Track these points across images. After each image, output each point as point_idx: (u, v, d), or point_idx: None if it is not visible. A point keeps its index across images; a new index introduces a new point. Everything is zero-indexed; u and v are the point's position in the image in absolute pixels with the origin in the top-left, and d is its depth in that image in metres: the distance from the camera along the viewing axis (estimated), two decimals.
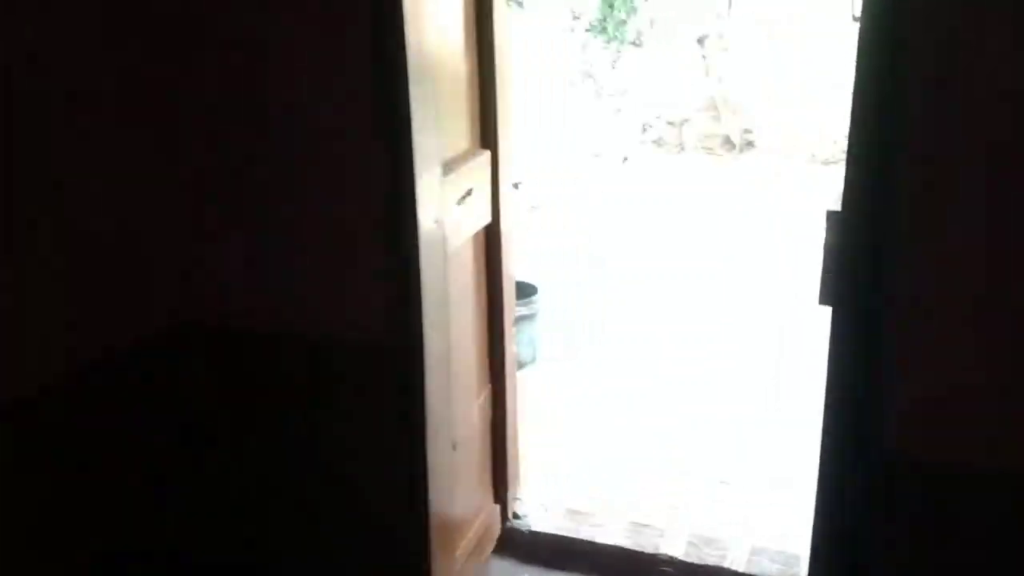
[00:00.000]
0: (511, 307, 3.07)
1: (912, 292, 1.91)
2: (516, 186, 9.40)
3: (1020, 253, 1.80)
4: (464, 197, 2.60)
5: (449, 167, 2.52)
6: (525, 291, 4.67)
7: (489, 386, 3.01)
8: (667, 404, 4.25)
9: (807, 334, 4.07)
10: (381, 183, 2.25)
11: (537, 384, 4.42)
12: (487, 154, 2.81)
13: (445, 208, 2.44)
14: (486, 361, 2.97)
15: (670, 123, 10.16)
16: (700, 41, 9.94)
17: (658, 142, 10.24)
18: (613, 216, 7.33)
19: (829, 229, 2.04)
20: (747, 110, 10.10)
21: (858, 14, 2.21)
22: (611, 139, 9.80)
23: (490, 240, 2.91)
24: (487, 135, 2.83)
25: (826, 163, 9.23)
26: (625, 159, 9.86)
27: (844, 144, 2.04)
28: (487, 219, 2.85)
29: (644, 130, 10.29)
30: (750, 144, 9.98)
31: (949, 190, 1.83)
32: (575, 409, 4.23)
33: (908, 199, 1.87)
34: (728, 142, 9.90)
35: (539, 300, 4.70)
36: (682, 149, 10.06)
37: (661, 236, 6.80)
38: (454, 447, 2.63)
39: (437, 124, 2.35)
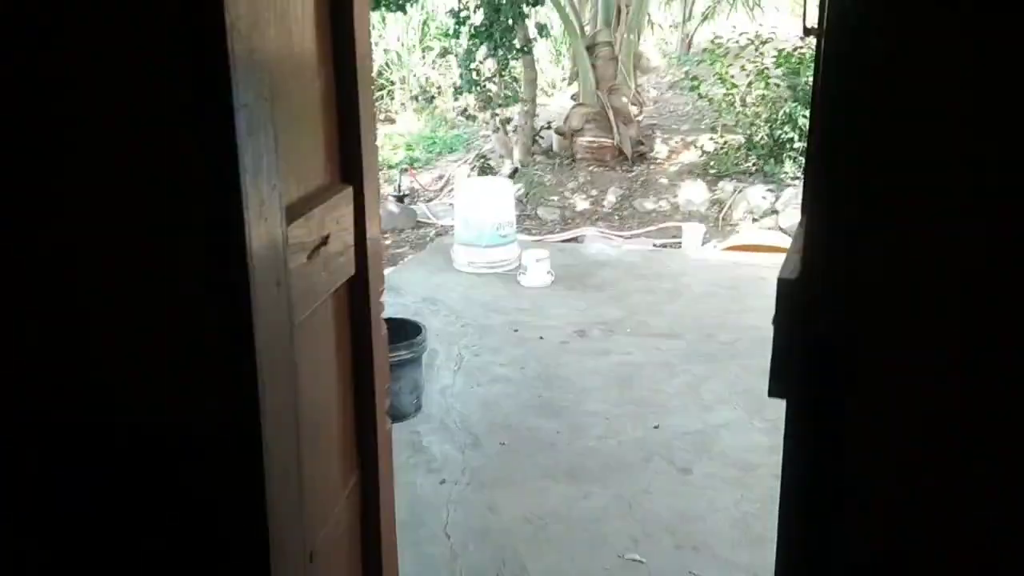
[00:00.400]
0: (384, 373, 2.54)
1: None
2: (401, 198, 8.74)
3: None
4: (317, 248, 2.06)
5: (297, 211, 1.97)
6: (407, 332, 4.15)
7: (358, 471, 2.46)
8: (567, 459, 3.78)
9: None
10: (197, 235, 1.69)
11: (419, 444, 3.90)
12: (349, 190, 2.27)
13: (290, 265, 1.90)
14: (353, 440, 2.42)
15: (560, 134, 9.76)
16: (590, 49, 9.57)
17: (548, 153, 9.84)
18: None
19: (781, 302, 1.58)
20: (641, 121, 9.79)
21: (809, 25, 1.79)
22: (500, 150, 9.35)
23: (354, 296, 2.37)
24: (349, 166, 2.29)
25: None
26: (516, 170, 9.43)
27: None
28: (350, 271, 2.32)
29: (535, 141, 9.88)
30: (642, 156, 9.66)
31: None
32: (460, 471, 3.72)
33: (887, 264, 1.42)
34: (620, 154, 9.55)
35: (425, 340, 4.18)
36: (573, 161, 9.67)
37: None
38: (311, 558, 2.07)
39: (281, 157, 1.81)
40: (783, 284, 1.59)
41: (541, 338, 4.97)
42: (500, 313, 5.33)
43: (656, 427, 4.00)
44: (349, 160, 2.29)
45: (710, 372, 4.54)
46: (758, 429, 3.97)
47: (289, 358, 1.90)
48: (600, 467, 3.72)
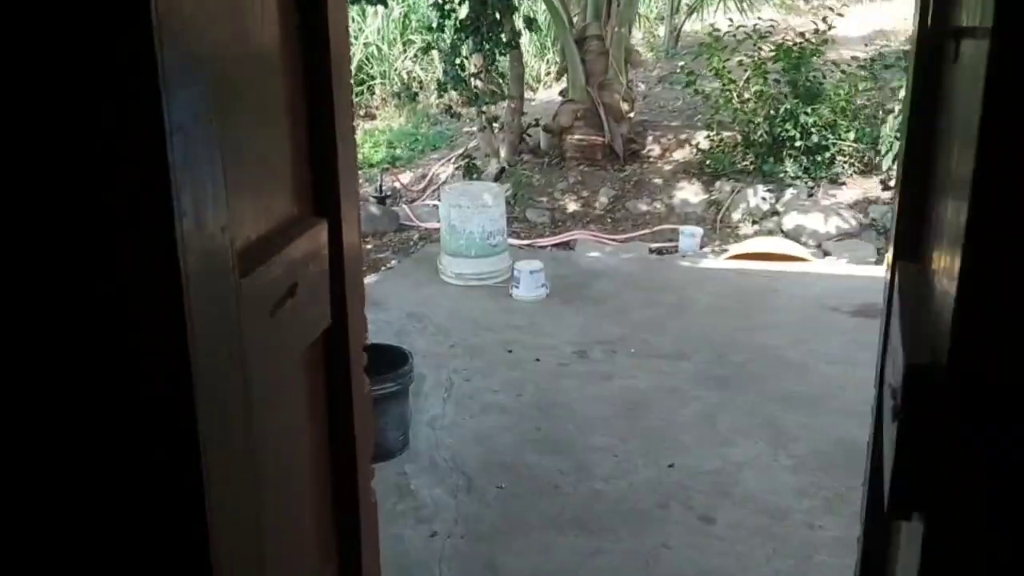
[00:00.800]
0: (367, 438, 2.13)
1: None
2: (382, 199, 8.34)
3: None
4: (283, 300, 1.65)
5: (255, 256, 1.56)
6: (392, 360, 3.72)
7: (337, 560, 2.05)
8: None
9: None
10: (119, 306, 1.28)
11: (406, 488, 3.49)
12: (323, 225, 1.86)
13: (246, 329, 1.48)
14: (330, 525, 2.02)
15: (548, 131, 9.34)
16: (579, 43, 9.15)
17: (536, 151, 9.41)
18: None
19: (913, 396, 1.17)
20: (633, 117, 9.38)
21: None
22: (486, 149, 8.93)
23: (331, 350, 1.96)
24: (323, 194, 1.88)
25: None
26: (502, 170, 9.00)
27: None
28: (324, 322, 1.91)
29: (522, 139, 9.45)
30: (634, 154, 9.25)
31: None
32: (453, 521, 3.31)
33: None
34: (612, 152, 9.13)
35: (412, 370, 3.76)
36: (562, 159, 9.25)
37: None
38: None
39: (232, 189, 1.40)
40: (916, 372, 1.19)
41: (537, 360, 4.56)
42: (492, 331, 4.92)
43: (671, 466, 3.60)
44: (324, 187, 1.87)
45: (724, 399, 4.14)
46: (784, 467, 3.58)
47: (246, 450, 1.49)
48: (610, 515, 3.31)
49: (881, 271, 6.06)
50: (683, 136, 9.45)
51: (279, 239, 1.65)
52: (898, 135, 7.63)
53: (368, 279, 6.93)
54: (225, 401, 1.42)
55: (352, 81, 9.03)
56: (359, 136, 10.90)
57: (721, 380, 4.32)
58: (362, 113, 12.16)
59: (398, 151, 10.50)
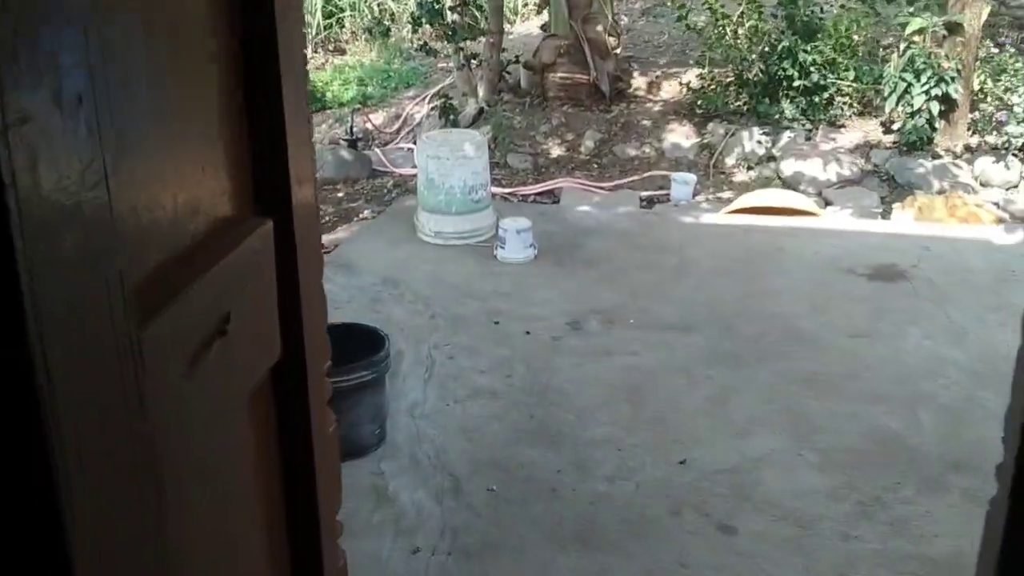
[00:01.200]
0: (334, 490, 1.69)
1: None
2: (353, 143, 7.80)
3: None
4: (210, 342, 1.19)
5: (164, 288, 1.10)
6: (366, 342, 3.27)
7: None
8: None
9: None
10: None
11: (384, 491, 3.06)
12: (268, 227, 1.39)
13: (148, 396, 1.04)
14: None
15: (530, 68, 8.77)
16: None
17: (517, 91, 8.86)
18: None
19: None
20: (619, 54, 8.83)
21: None
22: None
23: (283, 389, 1.51)
24: (268, 184, 1.41)
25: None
26: (481, 111, 8.46)
27: None
28: (273, 356, 1.45)
29: (501, 77, 8.89)
30: (620, 94, 8.72)
31: None
32: (439, 533, 2.89)
33: None
34: (597, 91, 8.59)
35: (389, 356, 3.31)
36: (544, 99, 8.70)
37: None
38: None
39: (129, 184, 0.95)
40: None
41: (527, 333, 4.12)
42: (476, 299, 4.46)
43: (682, 462, 3.20)
44: (268, 174, 1.40)
45: (737, 380, 3.73)
46: (809, 464, 3.18)
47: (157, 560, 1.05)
48: (617, 525, 2.91)
49: (894, 226, 5.67)
50: (671, 72, 8.92)
51: (202, 255, 1.19)
52: (902, 76, 7.16)
53: (340, 234, 6.43)
54: (121, 521, 0.98)
55: (320, 14, 8.35)
56: (327, 73, 10.27)
57: (732, 357, 3.90)
58: (331, 48, 11.51)
59: (369, 89, 9.89)
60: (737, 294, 4.47)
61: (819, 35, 7.82)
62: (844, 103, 7.81)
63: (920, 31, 7.28)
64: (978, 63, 7.39)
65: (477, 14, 8.80)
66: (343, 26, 11.44)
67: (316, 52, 11.25)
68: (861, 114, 7.86)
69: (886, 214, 6.32)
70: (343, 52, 11.36)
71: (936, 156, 7.14)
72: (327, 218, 7.19)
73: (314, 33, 11.26)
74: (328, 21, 11.29)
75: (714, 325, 4.16)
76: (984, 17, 7.35)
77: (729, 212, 5.65)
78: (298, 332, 1.48)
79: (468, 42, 8.31)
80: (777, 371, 3.77)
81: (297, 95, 1.41)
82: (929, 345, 3.96)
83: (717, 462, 3.20)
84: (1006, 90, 7.34)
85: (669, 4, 9.24)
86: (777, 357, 3.88)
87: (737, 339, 4.04)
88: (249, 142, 1.35)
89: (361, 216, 7.16)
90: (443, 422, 3.47)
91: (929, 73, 6.98)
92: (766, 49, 7.92)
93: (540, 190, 7.42)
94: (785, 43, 7.64)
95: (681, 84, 8.58)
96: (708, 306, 4.35)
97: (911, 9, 7.56)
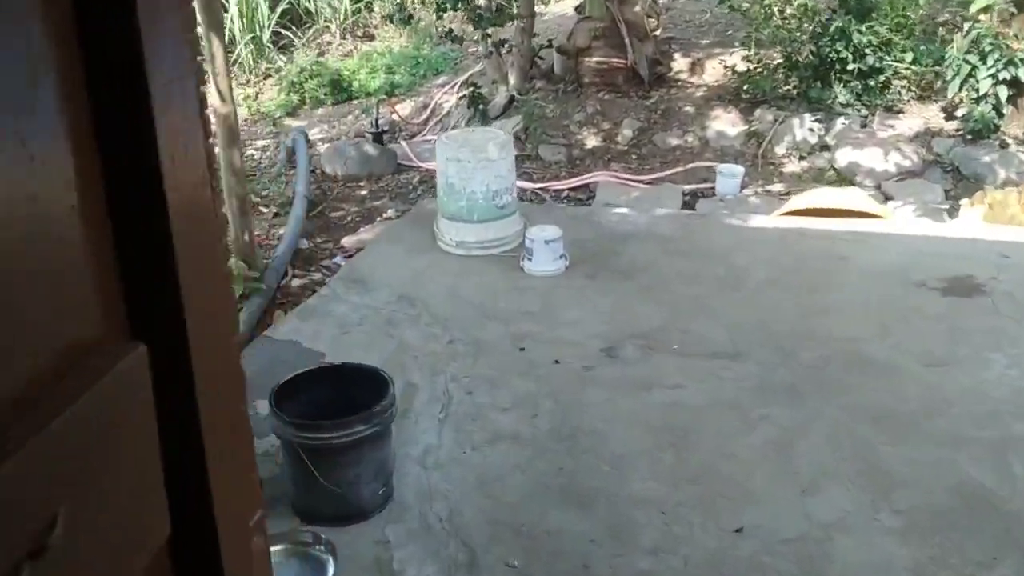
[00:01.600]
0: None
1: None
2: (379, 136, 7.37)
3: None
4: (20, 568, 0.71)
5: None
6: (374, 387, 2.83)
7: None
8: None
9: None
10: None
11: (388, 567, 2.62)
12: (140, 355, 0.91)
13: None
14: None
15: (563, 53, 8.26)
16: None
17: (550, 77, 8.36)
18: None
19: None
20: (659, 35, 8.29)
21: None
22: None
23: (183, 567, 1.04)
24: (146, 293, 0.93)
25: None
26: (512, 100, 7.98)
27: None
28: (156, 537, 0.98)
29: (533, 63, 8.39)
30: (660, 78, 8.18)
31: None
32: None
33: None
34: (635, 76, 8.07)
35: (394, 405, 2.86)
36: (579, 86, 8.20)
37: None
38: None
39: None
40: None
41: (556, 362, 3.65)
42: (499, 320, 4.00)
43: (738, 531, 2.72)
44: (144, 274, 0.96)
45: (797, 419, 3.24)
46: (889, 531, 2.69)
47: None
48: None
49: (968, 230, 5.09)
50: (715, 55, 8.36)
51: (21, 417, 0.73)
52: (966, 58, 6.57)
53: (359, 237, 6.00)
54: None
55: (348, 0, 7.84)
56: (354, 61, 9.84)
57: (790, 390, 3.41)
58: (359, 34, 11.08)
59: (397, 76, 9.45)
60: (793, 312, 3.97)
61: (874, 13, 7.25)
62: (902, 87, 7.24)
63: (986, 9, 6.68)
64: None
65: None
66: (372, 10, 11.00)
67: (344, 39, 10.84)
68: (920, 99, 7.29)
69: (953, 211, 5.76)
70: (372, 38, 10.94)
71: (1004, 145, 6.56)
72: (349, 218, 6.78)
73: (342, 19, 10.85)
74: (356, 6, 10.86)
75: (767, 350, 3.67)
76: None
77: (782, 214, 5.13)
78: (204, 498, 1.03)
79: (497, 28, 7.83)
80: (843, 407, 3.27)
81: (190, 127, 0.95)
82: (1015, 376, 3.44)
83: (780, 528, 2.72)
84: None
85: None
86: (842, 390, 3.38)
87: (795, 367, 3.55)
88: (112, 224, 0.90)
89: (384, 216, 6.73)
90: (459, 474, 3.02)
91: (997, 55, 6.39)
92: (817, 29, 7.36)
93: (574, 184, 6.95)
94: (837, 23, 7.08)
95: (725, 67, 8.03)
96: (760, 327, 3.85)
97: None
